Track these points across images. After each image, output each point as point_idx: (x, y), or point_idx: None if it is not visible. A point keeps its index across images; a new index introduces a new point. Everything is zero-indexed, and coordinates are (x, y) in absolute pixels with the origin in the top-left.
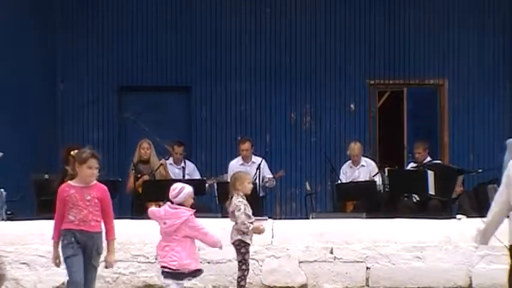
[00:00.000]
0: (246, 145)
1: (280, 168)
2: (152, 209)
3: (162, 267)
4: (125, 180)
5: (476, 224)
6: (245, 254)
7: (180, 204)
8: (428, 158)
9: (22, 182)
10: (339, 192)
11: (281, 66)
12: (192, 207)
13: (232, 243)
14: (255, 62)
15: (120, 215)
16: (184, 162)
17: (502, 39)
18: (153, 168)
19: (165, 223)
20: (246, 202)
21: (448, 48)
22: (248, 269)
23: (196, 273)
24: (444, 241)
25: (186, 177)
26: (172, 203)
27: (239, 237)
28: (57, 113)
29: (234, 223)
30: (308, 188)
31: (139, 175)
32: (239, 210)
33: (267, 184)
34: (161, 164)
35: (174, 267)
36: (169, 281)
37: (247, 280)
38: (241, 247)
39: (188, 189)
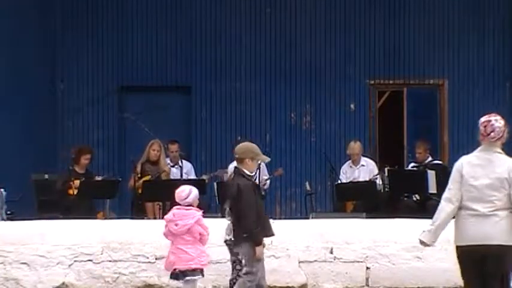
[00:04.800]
0: None
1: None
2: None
3: (178, 270)
4: (128, 179)
5: None
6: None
7: (189, 205)
8: (430, 158)
9: (22, 182)
10: (339, 192)
11: (281, 66)
12: (199, 207)
13: (225, 242)
14: (255, 62)
15: (120, 215)
16: (182, 162)
17: (502, 39)
18: (160, 170)
19: (176, 225)
20: None
21: (448, 48)
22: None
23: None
24: (444, 241)
25: (184, 176)
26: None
27: (231, 236)
28: (57, 113)
29: (229, 222)
30: (308, 188)
31: (139, 176)
32: None
33: (264, 187)
34: (164, 171)
35: (193, 266)
36: (181, 282)
37: None
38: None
39: (196, 191)
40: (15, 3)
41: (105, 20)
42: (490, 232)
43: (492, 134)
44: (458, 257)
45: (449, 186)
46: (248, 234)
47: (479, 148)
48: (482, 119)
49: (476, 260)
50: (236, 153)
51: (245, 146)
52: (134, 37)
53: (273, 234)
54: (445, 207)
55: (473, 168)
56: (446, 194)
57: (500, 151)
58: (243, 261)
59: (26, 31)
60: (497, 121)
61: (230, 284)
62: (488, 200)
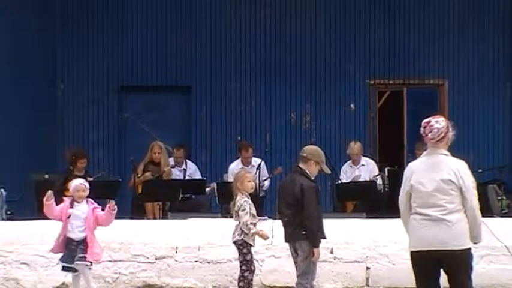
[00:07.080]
0: (250, 153)
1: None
2: None
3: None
4: (128, 179)
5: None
6: (246, 255)
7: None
8: None
9: (22, 182)
10: (339, 192)
11: (281, 66)
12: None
13: (234, 243)
14: (255, 62)
15: (120, 215)
16: (186, 163)
17: (501, 39)
18: (161, 171)
19: None
20: (251, 202)
21: (448, 48)
22: (250, 270)
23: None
24: None
25: (187, 178)
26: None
27: (242, 237)
28: (57, 113)
29: (237, 222)
30: None
31: (139, 176)
32: (243, 210)
33: (263, 187)
34: (164, 171)
35: None
36: None
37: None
38: (243, 247)
39: (74, 183)
40: (15, 3)
41: (105, 20)
42: (444, 237)
43: (430, 135)
44: (413, 262)
45: (400, 194)
46: (309, 235)
47: (425, 152)
48: (424, 120)
49: (429, 265)
50: (304, 152)
51: (315, 149)
52: (134, 37)
53: (325, 237)
54: (403, 213)
55: (421, 173)
56: (399, 201)
57: (446, 153)
58: (300, 258)
59: (26, 31)
60: (437, 122)
61: (238, 283)
62: (439, 204)
